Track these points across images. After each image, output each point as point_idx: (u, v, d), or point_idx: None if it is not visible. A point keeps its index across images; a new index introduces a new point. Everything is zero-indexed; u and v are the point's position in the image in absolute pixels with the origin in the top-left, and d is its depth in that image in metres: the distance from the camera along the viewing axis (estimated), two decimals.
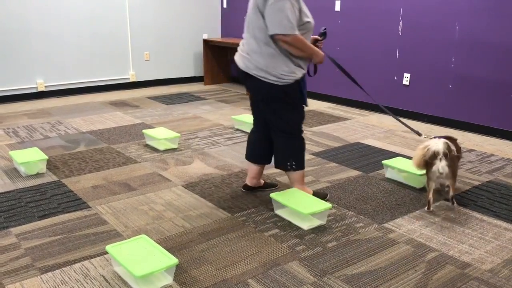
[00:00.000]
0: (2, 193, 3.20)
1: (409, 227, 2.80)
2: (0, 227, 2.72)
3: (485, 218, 2.93)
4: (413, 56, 5.22)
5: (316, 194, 3.13)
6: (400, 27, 5.28)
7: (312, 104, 6.03)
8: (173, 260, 2.19)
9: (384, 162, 3.58)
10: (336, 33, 5.92)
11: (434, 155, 2.87)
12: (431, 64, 5.07)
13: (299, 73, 2.87)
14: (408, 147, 4.30)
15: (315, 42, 3.08)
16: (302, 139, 3.04)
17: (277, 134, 3.01)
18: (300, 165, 3.03)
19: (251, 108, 3.21)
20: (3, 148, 4.17)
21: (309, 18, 2.83)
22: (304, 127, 4.95)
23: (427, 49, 5.08)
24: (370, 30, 5.57)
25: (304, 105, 3.01)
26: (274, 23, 2.70)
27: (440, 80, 5.03)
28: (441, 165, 2.87)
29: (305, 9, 2.81)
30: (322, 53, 2.93)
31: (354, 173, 3.66)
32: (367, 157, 4.02)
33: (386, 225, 2.82)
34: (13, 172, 3.58)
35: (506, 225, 2.83)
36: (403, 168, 3.43)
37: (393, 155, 4.02)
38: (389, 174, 3.56)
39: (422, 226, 2.80)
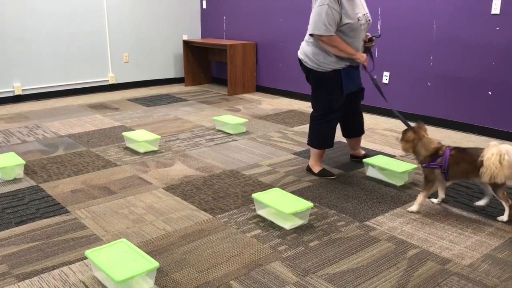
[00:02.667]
0: None
1: (390, 224, 2.82)
2: None
3: (464, 213, 2.96)
4: (392, 55, 5.27)
5: (324, 171, 3.57)
6: (379, 26, 5.32)
7: (293, 104, 6.04)
8: (153, 264, 2.16)
9: (364, 160, 3.59)
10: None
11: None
12: (410, 62, 5.12)
13: (338, 65, 3.36)
14: (389, 145, 4.33)
15: (364, 42, 3.50)
16: (321, 123, 3.49)
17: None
18: (312, 143, 3.56)
19: None
20: None
21: (351, 19, 3.22)
22: (285, 127, 4.96)
23: (406, 48, 5.13)
24: None
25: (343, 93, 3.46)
26: (312, 24, 3.23)
27: (419, 79, 5.08)
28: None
29: (349, 11, 3.20)
30: (362, 54, 3.39)
31: (335, 171, 3.67)
32: (348, 156, 4.03)
33: (367, 223, 2.83)
34: None
35: (484, 220, 2.87)
36: (384, 166, 3.45)
37: (374, 153, 4.04)
38: (370, 172, 3.58)
39: (403, 223, 2.82)
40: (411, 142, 3.01)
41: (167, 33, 7.27)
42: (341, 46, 3.25)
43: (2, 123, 5.10)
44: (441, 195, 3.11)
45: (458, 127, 4.83)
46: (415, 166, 3.46)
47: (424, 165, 2.97)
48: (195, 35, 7.60)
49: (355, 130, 3.84)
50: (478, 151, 2.77)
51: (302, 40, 3.53)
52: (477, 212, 2.98)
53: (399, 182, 3.40)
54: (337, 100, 3.47)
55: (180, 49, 7.40)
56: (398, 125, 5.02)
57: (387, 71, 5.34)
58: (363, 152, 3.96)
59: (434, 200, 3.13)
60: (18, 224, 2.79)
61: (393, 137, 4.59)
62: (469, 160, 2.81)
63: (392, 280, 2.25)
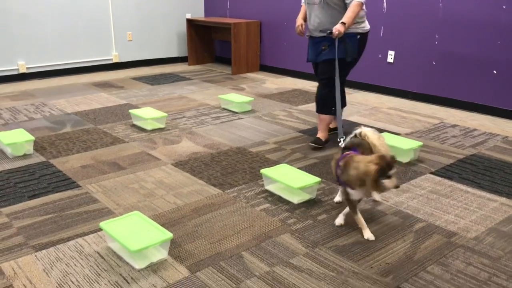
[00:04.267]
0: None
1: (397, 199, 2.87)
2: None
3: (469, 189, 3.01)
4: (397, 34, 5.26)
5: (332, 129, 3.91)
6: (384, 4, 5.30)
7: (297, 83, 6.05)
8: (167, 235, 2.22)
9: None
10: None
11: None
12: (415, 41, 5.12)
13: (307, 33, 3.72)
14: (394, 123, 4.37)
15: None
16: (322, 89, 3.69)
17: None
18: (317, 109, 3.76)
19: None
20: None
21: None
22: (290, 106, 4.98)
23: (411, 27, 5.12)
24: None
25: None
26: None
27: (424, 58, 5.09)
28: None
29: None
30: (298, 21, 3.71)
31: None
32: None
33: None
34: None
35: (489, 196, 2.92)
36: (390, 143, 3.48)
37: (380, 131, 4.07)
38: None
39: (409, 198, 2.87)
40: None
41: (170, 12, 7.24)
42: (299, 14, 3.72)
43: (8, 100, 5.12)
44: None
45: (462, 106, 4.86)
46: (421, 143, 3.50)
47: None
48: (199, 13, 7.56)
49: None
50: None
51: (295, 18, 3.78)
52: (482, 188, 3.03)
53: (404, 159, 3.44)
54: (313, 68, 3.82)
55: (183, 27, 7.37)
56: (403, 104, 5.05)
57: (392, 50, 5.34)
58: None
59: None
60: (30, 197, 2.84)
61: (398, 116, 4.62)
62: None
63: (400, 252, 2.31)
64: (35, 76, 6.19)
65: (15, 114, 4.60)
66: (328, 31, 3.37)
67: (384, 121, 4.45)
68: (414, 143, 3.48)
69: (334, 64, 3.38)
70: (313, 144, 3.68)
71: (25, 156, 3.50)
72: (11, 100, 5.13)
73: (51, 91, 5.54)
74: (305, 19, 3.70)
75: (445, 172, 3.26)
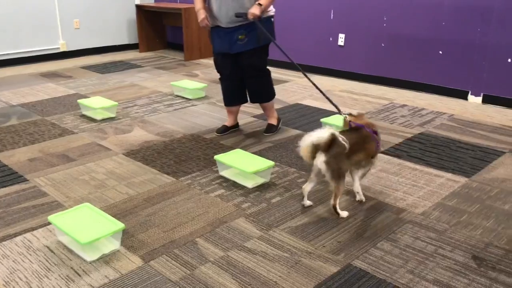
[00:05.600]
0: None
1: (347, 179, 2.91)
2: None
3: (417, 167, 3.11)
4: (347, 17, 5.33)
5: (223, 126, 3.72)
6: None
7: None
8: (119, 225, 2.18)
9: (322, 120, 3.68)
10: None
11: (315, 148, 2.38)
12: (365, 24, 5.20)
13: (210, 22, 3.46)
14: (345, 106, 4.44)
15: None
16: (259, 80, 3.56)
17: None
18: (263, 99, 3.66)
19: None
20: None
21: None
22: None
23: (361, 10, 5.19)
24: None
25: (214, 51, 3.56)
26: None
27: (373, 40, 5.18)
28: (319, 161, 2.39)
29: None
30: (200, 12, 3.40)
31: (294, 132, 3.74)
32: (306, 117, 4.11)
33: (326, 179, 2.93)
34: None
35: (436, 172, 3.02)
36: (341, 125, 3.54)
37: (331, 113, 4.14)
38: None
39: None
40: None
41: None
42: (194, 2, 3.46)
43: None
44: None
45: (411, 86, 4.99)
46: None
47: None
48: None
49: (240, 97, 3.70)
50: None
51: None
52: (429, 165, 3.13)
53: None
54: (217, 60, 3.56)
55: (133, 14, 7.19)
56: (354, 86, 5.14)
57: (342, 33, 5.41)
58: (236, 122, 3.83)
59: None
60: None
61: (350, 98, 4.70)
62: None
63: (351, 230, 2.37)
64: None
65: None
66: (242, 14, 3.23)
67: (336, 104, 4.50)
68: None
69: (259, 54, 3.36)
70: (268, 133, 3.69)
71: None
72: None
73: None
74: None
75: (394, 151, 3.35)
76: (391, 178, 2.94)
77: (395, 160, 3.22)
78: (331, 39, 5.54)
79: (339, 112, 2.90)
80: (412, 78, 4.98)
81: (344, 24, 5.37)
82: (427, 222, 2.45)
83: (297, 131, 3.76)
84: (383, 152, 3.33)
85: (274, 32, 3.49)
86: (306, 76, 3.17)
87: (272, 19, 3.45)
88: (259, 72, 3.48)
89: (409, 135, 3.66)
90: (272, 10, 3.43)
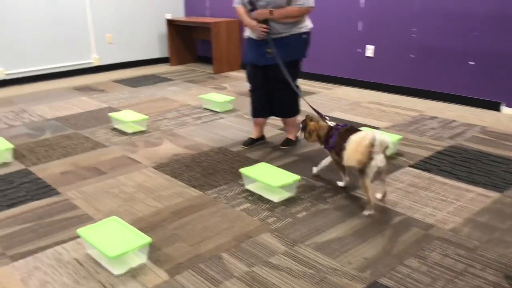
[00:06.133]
0: None
1: (376, 194, 2.89)
2: None
3: (447, 181, 3.04)
4: (376, 28, 5.29)
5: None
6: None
7: None
8: (146, 239, 2.22)
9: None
10: None
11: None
12: (394, 35, 5.15)
13: (246, 34, 3.58)
14: (374, 118, 4.40)
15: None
16: (284, 94, 3.55)
17: None
18: (287, 114, 3.70)
19: None
20: None
21: None
22: None
23: (390, 21, 5.15)
24: (332, 4, 5.60)
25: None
26: None
27: (402, 51, 5.12)
28: (380, 159, 2.54)
29: None
30: (252, 22, 3.42)
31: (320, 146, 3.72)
32: None
33: (353, 193, 2.91)
34: None
35: (466, 187, 2.95)
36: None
37: (359, 125, 4.10)
38: None
39: (388, 192, 2.90)
40: (315, 131, 2.98)
41: (150, 12, 7.19)
42: (241, 17, 3.50)
43: None
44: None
45: (441, 98, 4.90)
46: (400, 136, 3.53)
47: (324, 147, 2.98)
48: (179, 13, 7.53)
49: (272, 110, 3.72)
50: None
51: None
52: (459, 179, 3.06)
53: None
54: (249, 71, 3.62)
55: (163, 28, 7.34)
56: (383, 98, 5.09)
57: (371, 45, 5.37)
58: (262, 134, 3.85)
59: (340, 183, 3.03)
60: (9, 206, 2.82)
61: (378, 110, 4.65)
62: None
63: (378, 246, 2.33)
64: (14, 82, 6.12)
65: None
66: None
67: (364, 116, 4.47)
68: (394, 137, 3.51)
69: (287, 68, 3.37)
70: (284, 147, 3.70)
71: (4, 164, 3.47)
72: None
73: (31, 97, 5.49)
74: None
75: (424, 165, 3.29)
76: (420, 193, 2.89)
77: (425, 174, 3.16)
78: (359, 50, 5.50)
79: (322, 118, 3.07)
80: (442, 89, 4.89)
81: (372, 35, 5.34)
82: (457, 238, 2.39)
83: None
84: (412, 166, 3.27)
85: (305, 49, 3.49)
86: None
87: (304, 36, 3.43)
88: (285, 86, 3.48)
89: (439, 148, 3.59)
90: (306, 27, 3.43)
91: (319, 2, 5.68)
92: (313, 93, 5.39)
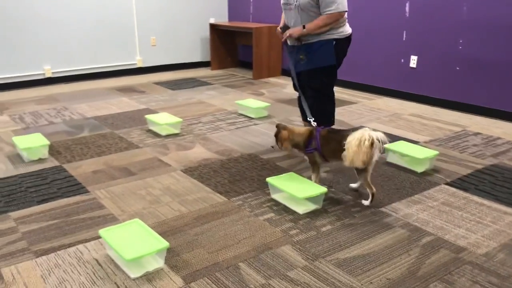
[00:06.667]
0: (3, 178, 3.25)
1: (406, 211, 2.77)
2: (0, 212, 2.77)
3: (485, 202, 2.88)
4: (420, 38, 5.12)
5: None
6: (407, 8, 5.18)
7: None
8: (163, 244, 2.20)
9: (385, 146, 3.53)
10: None
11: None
12: (439, 46, 4.97)
13: None
14: (413, 131, 4.24)
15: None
16: (313, 102, 3.42)
17: None
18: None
19: None
20: (8, 134, 4.22)
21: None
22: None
23: (435, 31, 4.97)
24: (377, 13, 5.47)
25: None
26: None
27: (447, 63, 4.93)
28: (377, 154, 2.69)
29: None
30: (278, 30, 3.56)
31: None
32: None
33: (382, 209, 2.80)
34: (16, 158, 3.63)
35: (506, 209, 2.78)
36: (405, 152, 3.38)
37: (397, 139, 3.96)
38: (390, 158, 3.52)
39: (419, 210, 2.77)
40: (288, 139, 2.96)
41: (194, 17, 7.28)
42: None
43: (33, 104, 5.25)
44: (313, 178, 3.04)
45: (487, 113, 4.68)
46: (437, 152, 3.38)
47: (304, 152, 2.99)
48: (222, 18, 7.58)
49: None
50: (348, 133, 2.69)
51: None
52: (498, 200, 2.89)
53: (419, 169, 3.33)
54: (292, 76, 3.56)
55: (206, 32, 7.41)
56: (425, 111, 4.91)
57: (415, 55, 5.20)
58: None
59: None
60: (39, 202, 2.89)
61: (418, 123, 4.49)
62: (338, 140, 2.74)
63: (403, 267, 2.22)
64: (60, 81, 6.34)
65: (36, 118, 4.71)
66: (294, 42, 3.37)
67: (403, 128, 4.33)
68: (430, 152, 3.36)
69: (318, 75, 3.31)
70: None
71: (40, 160, 3.57)
72: (35, 104, 5.26)
73: (74, 96, 5.66)
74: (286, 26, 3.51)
75: (461, 183, 3.13)
76: (454, 213, 2.74)
77: (461, 193, 3.00)
78: (402, 60, 5.34)
79: (310, 123, 3.13)
80: (488, 104, 4.66)
81: (417, 45, 5.17)
82: (490, 264, 2.24)
83: None
84: (448, 184, 3.12)
85: (332, 56, 3.33)
86: None
87: (334, 42, 3.34)
88: (316, 93, 3.40)
89: (480, 167, 3.41)
90: (339, 33, 3.32)
91: (363, 11, 5.58)
92: (353, 102, 5.27)
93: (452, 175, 3.27)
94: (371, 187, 2.81)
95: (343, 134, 2.75)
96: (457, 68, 4.84)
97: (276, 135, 3.02)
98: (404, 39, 5.27)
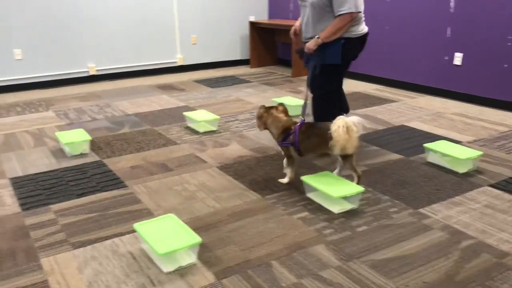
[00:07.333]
0: (46, 172, 3.36)
1: (446, 213, 2.67)
2: (41, 204, 2.86)
3: None
4: (465, 34, 4.94)
5: None
6: (452, 4, 5.00)
7: (359, 86, 5.87)
8: (196, 239, 2.21)
9: (425, 145, 3.42)
10: (384, 12, 5.69)
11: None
12: (485, 43, 4.77)
13: None
14: (456, 131, 4.09)
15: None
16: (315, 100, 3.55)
17: None
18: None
19: None
20: (53, 129, 4.36)
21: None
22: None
23: (481, 27, 4.78)
24: (420, 8, 5.32)
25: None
26: None
27: (494, 60, 4.73)
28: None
29: None
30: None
31: (394, 156, 3.53)
32: (410, 140, 3.87)
33: (421, 210, 2.71)
34: (59, 152, 3.74)
35: None
36: (446, 152, 3.27)
37: (438, 138, 3.84)
38: (431, 158, 3.41)
39: (460, 213, 2.67)
40: (260, 119, 3.09)
41: (234, 14, 7.31)
42: None
43: (77, 101, 5.42)
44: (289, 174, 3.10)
45: None
46: (481, 153, 3.25)
47: (279, 143, 3.06)
48: (262, 15, 7.57)
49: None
50: (327, 125, 2.76)
51: (368, 20, 3.48)
52: None
53: (461, 169, 3.21)
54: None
55: (246, 30, 7.42)
56: (469, 110, 4.73)
57: (460, 52, 5.02)
58: None
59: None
60: (79, 196, 2.97)
61: (462, 122, 4.33)
62: (319, 134, 2.85)
63: (440, 271, 2.14)
64: (104, 78, 6.51)
65: (80, 115, 4.85)
66: (300, 51, 3.44)
67: (446, 128, 4.18)
68: (473, 153, 3.24)
69: (323, 72, 3.30)
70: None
71: (81, 155, 3.67)
72: (79, 101, 5.42)
73: (116, 93, 5.79)
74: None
75: (506, 185, 3.00)
76: (498, 216, 2.62)
77: (506, 196, 2.87)
78: (446, 58, 5.17)
79: (302, 120, 3.09)
80: None
81: (462, 42, 4.98)
82: None
83: (398, 156, 3.54)
84: (492, 186, 2.99)
85: (338, 56, 3.27)
86: None
87: (343, 41, 3.24)
88: (319, 90, 3.44)
89: None
90: (347, 32, 3.23)
91: (406, 7, 5.44)
92: (393, 101, 5.15)
93: (497, 176, 3.13)
94: (356, 170, 2.88)
95: (323, 127, 2.83)
96: (505, 66, 4.64)
97: (259, 116, 3.11)
98: (448, 35, 5.09)
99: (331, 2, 3.15)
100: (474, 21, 4.83)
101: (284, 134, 2.99)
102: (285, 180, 3.08)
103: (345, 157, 2.86)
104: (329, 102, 3.49)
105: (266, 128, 3.11)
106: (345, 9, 3.10)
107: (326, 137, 2.73)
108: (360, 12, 3.21)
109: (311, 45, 3.27)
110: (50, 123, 4.58)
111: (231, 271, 2.17)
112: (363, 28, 3.33)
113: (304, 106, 3.23)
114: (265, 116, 3.09)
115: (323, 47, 3.26)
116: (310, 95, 3.46)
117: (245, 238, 2.45)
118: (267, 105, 3.19)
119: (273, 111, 3.08)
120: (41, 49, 5.99)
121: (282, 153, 3.13)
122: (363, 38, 3.35)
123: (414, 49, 5.47)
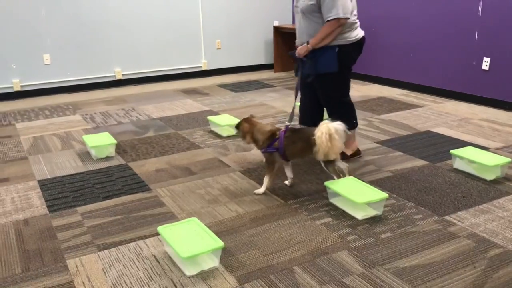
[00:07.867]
0: (73, 174, 3.43)
1: (473, 220, 2.62)
2: (68, 206, 2.92)
3: None
4: (493, 39, 4.84)
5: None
6: (480, 7, 4.91)
7: (384, 91, 5.81)
8: (219, 244, 2.22)
9: (452, 151, 3.36)
10: (410, 15, 5.63)
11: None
12: None
13: None
14: (484, 137, 4.01)
15: None
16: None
17: None
18: None
19: None
20: (79, 132, 4.45)
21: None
22: (371, 114, 4.80)
23: (509, 31, 4.68)
24: (447, 12, 5.24)
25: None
26: None
27: None
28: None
29: None
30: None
31: (419, 162, 3.48)
32: (436, 146, 3.80)
33: (447, 217, 2.66)
34: (85, 155, 3.82)
35: None
36: (473, 158, 3.20)
37: (465, 144, 3.77)
38: (457, 164, 3.35)
39: (488, 221, 2.61)
40: (248, 133, 3.03)
41: (258, 19, 7.33)
42: None
43: (103, 105, 5.51)
44: (289, 174, 3.13)
45: None
46: (509, 159, 3.17)
47: (263, 150, 3.01)
48: (286, 20, 7.58)
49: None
50: (311, 130, 2.81)
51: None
52: None
53: (489, 176, 3.14)
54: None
55: (270, 35, 7.43)
56: (497, 115, 4.63)
57: (488, 57, 4.92)
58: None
59: (286, 182, 3.14)
60: (104, 198, 3.02)
61: (490, 128, 4.24)
62: (304, 139, 2.87)
63: (467, 280, 2.10)
64: (129, 83, 6.60)
65: (106, 118, 4.93)
66: (293, 54, 3.40)
67: (473, 134, 4.10)
68: (501, 159, 3.16)
69: (325, 80, 3.30)
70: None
71: (107, 158, 3.73)
72: (105, 105, 5.51)
73: (142, 97, 5.87)
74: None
75: None
76: None
77: None
78: (474, 62, 5.08)
79: (287, 126, 3.05)
80: None
81: (490, 47, 4.89)
82: None
83: (423, 162, 3.49)
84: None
85: (334, 63, 3.24)
86: None
87: (337, 49, 3.22)
88: (328, 98, 3.45)
89: None
90: (344, 39, 3.23)
91: (432, 11, 5.36)
92: (418, 106, 5.08)
93: None
94: (338, 174, 2.92)
95: (307, 132, 2.88)
96: None
97: (237, 127, 3.09)
98: (476, 40, 5.00)
99: (320, 8, 3.15)
100: (502, 26, 4.73)
101: (270, 140, 2.97)
102: (261, 191, 3.02)
103: (327, 162, 2.89)
104: (346, 107, 3.47)
105: (252, 138, 3.03)
106: (333, 15, 3.09)
107: (310, 142, 2.78)
108: (348, 18, 3.17)
109: (301, 50, 3.27)
110: (77, 126, 4.67)
111: (253, 276, 2.17)
112: (358, 34, 3.32)
113: (292, 112, 3.19)
114: (251, 128, 3.03)
115: (315, 55, 3.25)
116: (298, 101, 3.46)
117: (268, 243, 2.45)
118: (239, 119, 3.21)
119: (253, 121, 3.08)
120: (69, 54, 6.13)
121: (263, 160, 3.14)
122: (358, 43, 3.34)
123: (441, 53, 5.39)
